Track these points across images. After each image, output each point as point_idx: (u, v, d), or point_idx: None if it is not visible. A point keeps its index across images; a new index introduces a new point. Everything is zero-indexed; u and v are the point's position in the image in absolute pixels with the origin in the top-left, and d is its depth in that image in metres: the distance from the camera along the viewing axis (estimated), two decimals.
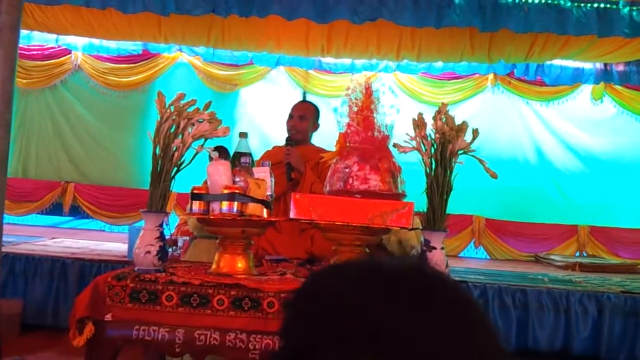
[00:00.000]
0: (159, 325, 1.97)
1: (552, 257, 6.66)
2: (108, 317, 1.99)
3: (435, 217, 2.07)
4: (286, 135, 3.11)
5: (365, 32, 5.71)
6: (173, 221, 4.53)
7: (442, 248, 2.08)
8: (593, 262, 6.45)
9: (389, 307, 0.61)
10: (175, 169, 2.14)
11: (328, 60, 7.16)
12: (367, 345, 0.59)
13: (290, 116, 3.16)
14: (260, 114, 7.49)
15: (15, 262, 4.72)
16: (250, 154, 2.30)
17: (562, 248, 7.04)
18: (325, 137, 3.00)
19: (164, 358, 2.85)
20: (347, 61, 7.15)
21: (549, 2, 5.09)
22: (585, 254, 7.02)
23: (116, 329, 2.00)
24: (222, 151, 3.16)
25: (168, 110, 2.13)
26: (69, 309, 2.14)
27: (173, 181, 2.15)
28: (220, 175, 2.15)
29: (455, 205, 2.26)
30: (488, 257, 7.07)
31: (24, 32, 5.30)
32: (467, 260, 6.62)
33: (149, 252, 2.08)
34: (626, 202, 7.30)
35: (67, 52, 7.48)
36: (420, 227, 2.14)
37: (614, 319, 4.53)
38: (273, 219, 2.28)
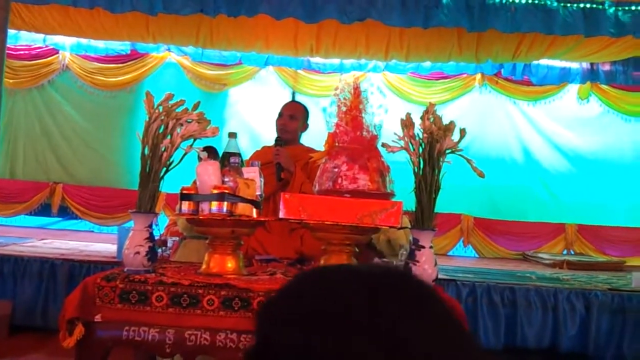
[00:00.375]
0: (149, 325, 1.96)
1: (540, 255, 6.71)
2: (98, 317, 1.98)
3: (424, 216, 2.08)
4: (275, 135, 3.11)
5: (354, 32, 5.73)
6: (162, 222, 4.51)
7: (431, 247, 2.09)
8: (580, 260, 6.50)
9: (386, 307, 0.61)
10: (164, 169, 2.13)
11: (317, 60, 7.17)
12: (366, 345, 0.59)
13: (280, 115, 3.15)
14: (250, 113, 7.49)
15: (4, 263, 4.69)
16: (239, 154, 2.30)
17: (550, 246, 7.09)
18: (314, 137, 3.01)
19: (154, 359, 2.84)
20: (335, 61, 7.16)
21: (536, 2, 5.13)
22: (572, 252, 7.07)
23: (106, 330, 1.99)
24: (211, 151, 3.16)
25: (156, 111, 2.12)
26: (58, 310, 2.13)
27: (162, 182, 2.14)
28: (209, 175, 2.15)
29: (443, 204, 2.27)
30: (477, 255, 7.11)
31: (11, 32, 5.25)
32: (455, 259, 6.65)
33: (138, 252, 2.07)
34: (613, 201, 7.37)
35: (54, 51, 7.44)
36: (409, 226, 2.14)
37: (601, 317, 4.57)
38: (262, 219, 2.27)
